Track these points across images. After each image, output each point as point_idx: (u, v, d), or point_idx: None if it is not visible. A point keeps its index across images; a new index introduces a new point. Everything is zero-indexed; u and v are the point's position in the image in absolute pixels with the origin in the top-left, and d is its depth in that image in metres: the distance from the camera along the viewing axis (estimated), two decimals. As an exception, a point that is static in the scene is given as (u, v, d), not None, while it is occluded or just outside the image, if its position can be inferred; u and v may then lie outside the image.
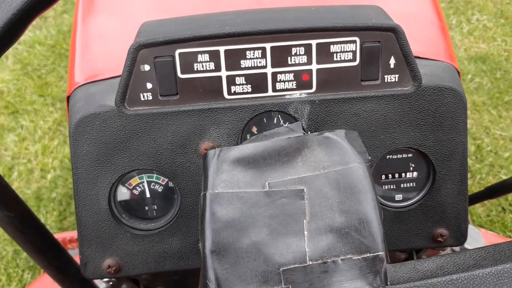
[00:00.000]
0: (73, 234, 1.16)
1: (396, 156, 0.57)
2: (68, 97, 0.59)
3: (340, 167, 0.37)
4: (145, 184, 0.56)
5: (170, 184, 0.56)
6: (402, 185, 0.58)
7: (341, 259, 0.33)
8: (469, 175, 1.72)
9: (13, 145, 1.82)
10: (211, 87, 0.52)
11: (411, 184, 0.58)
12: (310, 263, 0.33)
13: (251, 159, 0.38)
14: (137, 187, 0.56)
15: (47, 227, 0.59)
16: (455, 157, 0.56)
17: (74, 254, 0.99)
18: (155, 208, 0.57)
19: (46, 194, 1.66)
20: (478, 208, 1.63)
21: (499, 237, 1.24)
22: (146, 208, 0.56)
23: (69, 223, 1.61)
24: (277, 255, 0.33)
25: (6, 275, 1.48)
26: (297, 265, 0.33)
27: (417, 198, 0.58)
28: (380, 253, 0.33)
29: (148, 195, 0.56)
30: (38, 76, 2.11)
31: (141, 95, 0.52)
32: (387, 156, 0.57)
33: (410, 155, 0.57)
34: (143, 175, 0.55)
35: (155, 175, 0.56)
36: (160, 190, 0.56)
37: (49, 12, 2.44)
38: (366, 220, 0.34)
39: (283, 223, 0.34)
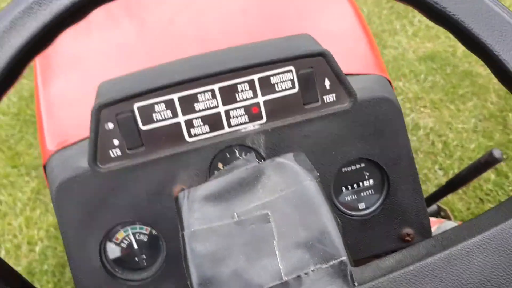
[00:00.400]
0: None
1: (350, 168, 0.62)
2: (45, 166, 0.63)
3: (294, 187, 0.41)
4: (131, 236, 0.59)
5: (153, 232, 0.59)
6: (362, 194, 0.64)
7: (312, 270, 0.37)
8: (441, 172, 1.82)
9: (-6, 223, 1.80)
10: (173, 133, 0.57)
11: (370, 191, 0.64)
12: (286, 278, 0.37)
13: (217, 194, 0.42)
14: (124, 241, 0.59)
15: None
16: (402, 160, 0.61)
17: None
18: (144, 257, 0.60)
19: (37, 267, 1.65)
20: (457, 204, 1.72)
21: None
22: (136, 259, 0.60)
23: (66, 291, 1.59)
24: (256, 277, 0.37)
25: None
26: (275, 283, 0.36)
27: (378, 204, 0.63)
28: (343, 258, 0.37)
29: (135, 246, 0.59)
30: (8, 147, 2.09)
31: (110, 152, 0.56)
32: (343, 169, 0.62)
33: (362, 164, 0.63)
34: (127, 227, 0.59)
35: (138, 226, 0.59)
36: (145, 239, 0.59)
37: (6, 80, 2.41)
38: (326, 231, 0.38)
39: (256, 247, 0.38)
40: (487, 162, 0.89)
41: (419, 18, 2.55)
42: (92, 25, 0.91)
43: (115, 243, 0.59)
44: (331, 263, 0.37)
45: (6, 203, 1.86)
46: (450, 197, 1.73)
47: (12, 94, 2.34)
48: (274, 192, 0.41)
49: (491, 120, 1.99)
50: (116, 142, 0.55)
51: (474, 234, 0.37)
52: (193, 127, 0.57)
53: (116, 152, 0.56)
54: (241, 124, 0.58)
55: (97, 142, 0.55)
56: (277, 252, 0.38)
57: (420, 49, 2.38)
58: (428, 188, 1.77)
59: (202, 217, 0.41)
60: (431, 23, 2.52)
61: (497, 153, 0.86)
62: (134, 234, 0.59)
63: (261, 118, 0.58)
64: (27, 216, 1.80)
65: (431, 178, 1.79)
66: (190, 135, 0.57)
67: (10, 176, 1.97)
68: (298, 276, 0.37)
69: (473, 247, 0.36)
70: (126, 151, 0.56)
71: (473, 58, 2.28)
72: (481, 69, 2.22)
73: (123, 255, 0.59)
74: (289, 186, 0.41)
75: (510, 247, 0.36)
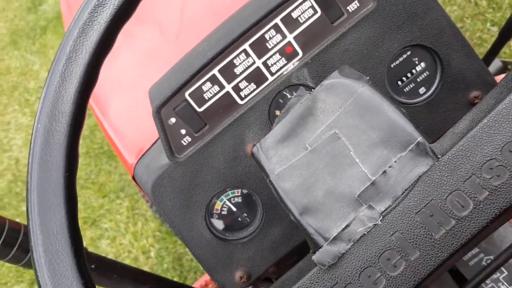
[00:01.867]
0: (202, 280, 1.26)
1: (398, 60, 0.62)
2: (133, 178, 0.69)
3: (350, 99, 0.42)
4: (227, 203, 0.64)
5: (244, 191, 0.64)
6: (418, 79, 0.63)
7: (394, 161, 0.38)
8: (495, 28, 1.69)
9: (109, 247, 1.97)
10: (227, 103, 0.61)
11: (425, 73, 0.63)
12: (374, 178, 0.38)
13: (285, 135, 0.44)
14: (223, 208, 0.64)
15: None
16: (444, 30, 0.60)
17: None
18: (246, 215, 0.65)
19: (159, 268, 1.79)
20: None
21: None
22: (239, 219, 0.65)
23: (191, 281, 1.73)
24: (347, 188, 0.39)
25: None
26: (366, 185, 0.38)
27: (437, 81, 0.63)
28: (418, 139, 0.38)
29: (234, 209, 0.65)
30: (92, 183, 2.26)
31: (182, 141, 0.61)
32: (391, 65, 0.62)
33: (408, 53, 0.62)
34: (221, 196, 0.64)
35: (229, 191, 0.64)
36: (240, 200, 0.64)
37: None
38: (394, 123, 0.39)
39: (337, 164, 0.40)
40: None
41: None
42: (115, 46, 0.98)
43: (217, 214, 0.65)
44: (410, 148, 0.38)
45: (111, 228, 2.03)
46: (513, 47, 1.62)
47: (75, 137, 2.51)
48: (334, 112, 0.42)
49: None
50: (183, 131, 0.61)
51: None
52: (241, 90, 0.60)
53: (187, 139, 0.61)
54: (281, 68, 0.60)
55: (168, 138, 0.60)
56: (357, 160, 0.40)
57: None
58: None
59: (280, 159, 0.43)
60: None
61: None
62: (229, 199, 0.64)
63: (297, 54, 0.60)
64: (133, 231, 1.96)
65: (487, 38, 1.68)
66: (241, 98, 0.61)
67: (104, 205, 2.14)
68: (384, 172, 0.38)
69: None
70: (195, 135, 0.61)
71: None
72: None
73: (227, 221, 0.65)
74: (346, 100, 0.42)
75: None
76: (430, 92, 0.63)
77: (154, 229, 1.91)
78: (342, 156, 0.40)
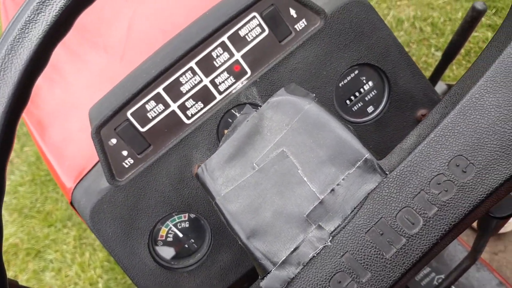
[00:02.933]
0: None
1: (346, 80, 0.62)
2: (71, 203, 0.64)
3: (297, 116, 0.41)
4: (173, 228, 0.60)
5: (191, 215, 0.60)
6: (367, 98, 0.63)
7: (343, 179, 0.37)
8: (439, 53, 1.76)
9: (54, 279, 1.85)
10: (172, 123, 0.58)
11: (373, 92, 0.63)
12: (322, 196, 0.37)
13: (232, 154, 0.42)
14: (169, 235, 0.61)
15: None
16: (391, 49, 0.60)
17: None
18: (193, 241, 0.61)
19: (107, 301, 1.69)
20: (463, 72, 1.67)
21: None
22: (187, 246, 0.61)
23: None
24: (295, 208, 0.37)
25: None
26: (315, 204, 0.37)
27: (385, 99, 0.63)
28: (366, 155, 0.37)
29: (181, 235, 0.61)
30: (37, 212, 2.14)
31: (123, 163, 0.57)
32: (340, 84, 0.62)
33: (356, 72, 0.62)
34: (167, 222, 0.60)
35: (175, 216, 0.60)
36: (187, 225, 0.61)
37: (11, 155, 2.47)
38: (341, 139, 0.38)
39: (285, 183, 0.39)
40: (473, 18, 0.86)
41: None
42: (56, 67, 0.93)
43: (162, 241, 0.60)
44: (357, 164, 0.37)
45: (57, 259, 1.92)
46: (455, 70, 1.69)
47: (21, 163, 2.39)
48: (281, 130, 0.41)
49: (468, -17, 1.92)
50: (125, 153, 0.57)
51: (477, 79, 0.36)
52: (188, 109, 0.58)
53: (129, 161, 0.57)
54: (230, 86, 0.58)
55: (108, 160, 0.56)
56: (305, 179, 0.38)
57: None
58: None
59: (226, 180, 0.41)
60: None
61: (479, 5, 0.83)
62: (175, 225, 0.60)
63: (246, 72, 0.58)
64: (80, 262, 1.85)
65: (432, 63, 1.75)
66: (188, 117, 0.58)
67: (50, 235, 2.02)
68: (332, 190, 0.37)
69: (480, 91, 0.35)
70: (137, 157, 0.57)
71: None
72: None
73: (172, 249, 0.61)
74: (292, 118, 0.41)
75: None
76: (378, 110, 0.63)
77: (102, 259, 1.81)
78: (290, 175, 0.39)
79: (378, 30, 0.60)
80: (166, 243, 0.60)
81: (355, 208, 0.36)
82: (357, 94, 0.63)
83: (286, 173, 0.39)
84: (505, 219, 0.55)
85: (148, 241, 0.58)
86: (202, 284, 0.59)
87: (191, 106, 0.58)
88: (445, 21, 1.84)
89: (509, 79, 0.35)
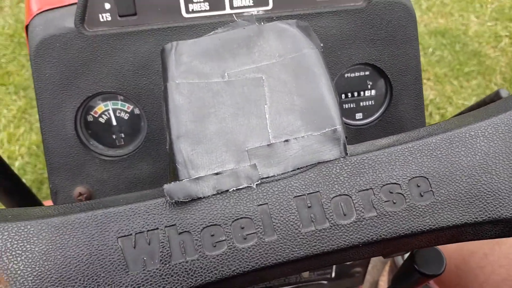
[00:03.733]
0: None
1: (354, 74, 0.59)
2: (27, 26, 0.59)
3: (294, 54, 0.38)
4: (111, 112, 0.56)
5: (136, 111, 0.56)
6: (361, 104, 0.60)
7: (302, 136, 0.34)
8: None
9: (-24, 134, 1.76)
10: (169, 6, 0.53)
11: (370, 102, 0.61)
12: (274, 141, 0.34)
13: (209, 51, 0.39)
14: (103, 115, 0.56)
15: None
16: (409, 72, 0.58)
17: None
18: (123, 136, 0.56)
19: (14, 181, 1.62)
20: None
21: None
22: (114, 136, 0.56)
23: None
24: (241, 137, 0.34)
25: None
26: (262, 144, 0.34)
27: (376, 115, 0.60)
28: (337, 126, 0.35)
29: (114, 122, 0.56)
30: (-1, 66, 2.04)
31: (100, 16, 0.52)
32: (346, 75, 0.59)
33: (367, 72, 0.59)
34: (108, 102, 0.55)
35: (119, 102, 0.56)
36: (126, 117, 0.56)
37: (5, 1, 2.35)
38: (322, 100, 0.36)
39: (245, 109, 0.35)
40: (492, 101, 0.86)
41: (435, -7, 2.49)
42: None
43: (93, 116, 0.55)
44: (324, 130, 0.34)
45: (-9, 118, 1.82)
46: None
47: (8, 16, 2.28)
48: (271, 57, 0.38)
49: (493, 99, 1.96)
50: (107, 6, 0.52)
51: (480, 119, 0.34)
52: (192, 2, 0.53)
53: (106, 16, 0.52)
54: (244, 7, 0.54)
55: (86, 3, 0.51)
56: (267, 116, 0.35)
57: (432, 23, 2.32)
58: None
59: (189, 71, 0.37)
60: (446, 0, 2.46)
61: (504, 93, 0.83)
62: (114, 110, 0.55)
63: (267, 4, 0.54)
64: (10, 133, 1.77)
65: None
66: (187, 11, 0.53)
67: (-2, 93, 1.92)
68: (287, 141, 0.34)
69: (478, 131, 0.34)
70: (117, 18, 0.52)
71: (484, 39, 2.23)
72: (491, 51, 2.18)
73: (99, 129, 0.56)
74: (289, 52, 0.38)
75: None
76: (365, 121, 0.60)
77: (33, 142, 1.73)
78: (255, 104, 0.36)
79: (409, 45, 0.57)
80: (95, 121, 0.55)
81: (298, 169, 0.33)
82: (355, 94, 0.60)
83: (252, 100, 0.36)
84: (427, 277, 0.54)
85: (80, 106, 0.53)
86: (108, 180, 0.55)
87: (197, 2, 0.53)
88: (455, 119, 1.87)
89: (510, 135, 0.33)
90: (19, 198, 0.76)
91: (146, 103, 0.54)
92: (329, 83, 0.37)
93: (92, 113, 0.55)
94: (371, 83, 0.60)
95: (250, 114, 0.35)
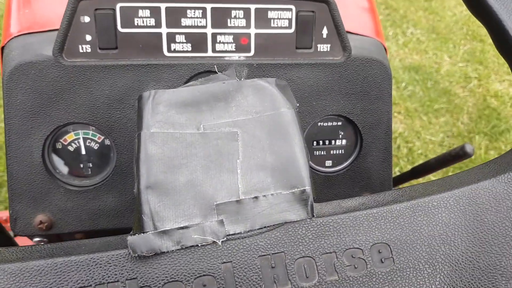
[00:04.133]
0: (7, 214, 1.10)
1: (326, 123, 0.61)
2: (3, 48, 0.57)
3: (271, 112, 0.39)
4: (81, 141, 0.55)
5: (107, 142, 0.56)
6: (332, 152, 0.62)
7: (271, 194, 0.35)
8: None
9: None
10: (151, 43, 0.53)
11: (340, 151, 0.62)
12: (243, 197, 0.35)
13: (187, 102, 0.39)
14: (72, 144, 0.55)
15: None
16: (380, 126, 0.60)
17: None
18: (90, 166, 0.56)
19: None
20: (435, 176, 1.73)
21: None
22: (81, 165, 0.56)
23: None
24: (211, 191, 0.35)
25: None
26: (231, 199, 0.34)
27: (345, 164, 0.62)
28: (306, 187, 0.36)
29: (83, 152, 0.56)
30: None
31: (80, 46, 0.52)
32: (319, 123, 0.61)
33: (339, 123, 0.61)
34: (79, 131, 0.55)
35: (91, 131, 0.55)
36: (96, 147, 0.56)
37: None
38: (294, 159, 0.37)
39: (217, 162, 0.36)
40: (457, 155, 0.89)
41: (412, 30, 2.58)
42: None
43: (62, 144, 0.55)
44: (293, 190, 0.35)
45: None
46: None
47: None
48: (248, 113, 0.39)
49: (458, 138, 2.03)
50: (88, 37, 0.52)
51: (443, 190, 0.36)
52: (175, 42, 0.54)
53: (86, 48, 0.52)
54: (226, 51, 0.55)
55: (67, 33, 0.51)
56: (238, 171, 0.36)
57: (407, 59, 2.40)
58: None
59: (164, 121, 0.38)
60: (422, 37, 2.55)
61: (469, 148, 0.86)
62: (84, 139, 0.55)
63: (249, 50, 0.56)
64: (-26, 130, 1.71)
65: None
66: (169, 50, 0.54)
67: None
68: (256, 197, 0.35)
69: (440, 201, 0.35)
70: (97, 50, 0.52)
71: (455, 78, 2.32)
72: (460, 90, 2.27)
73: (67, 157, 0.55)
74: (265, 110, 0.39)
75: (478, 208, 0.35)
76: (334, 169, 0.62)
77: (-3, 141, 1.68)
78: (227, 158, 0.36)
79: (382, 102, 0.60)
80: (64, 149, 0.55)
81: (265, 227, 0.34)
82: (326, 142, 0.62)
83: (225, 154, 0.37)
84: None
85: (50, 134, 0.53)
86: (71, 210, 0.54)
87: (179, 42, 0.54)
88: (421, 154, 1.93)
89: (471, 208, 0.35)
90: None
91: (118, 135, 0.54)
92: (302, 144, 0.38)
93: (61, 140, 0.55)
94: (342, 133, 0.62)
95: (222, 168, 0.36)
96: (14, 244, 0.64)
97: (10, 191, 0.53)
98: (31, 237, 0.55)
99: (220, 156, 0.36)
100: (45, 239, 0.55)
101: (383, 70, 0.59)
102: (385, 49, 0.67)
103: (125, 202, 0.56)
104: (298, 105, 0.41)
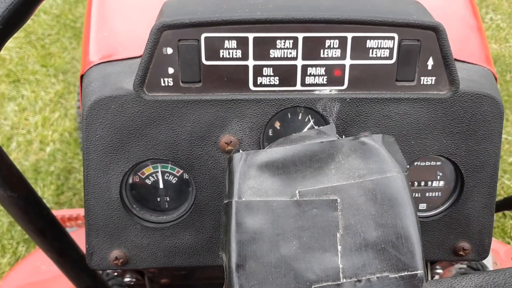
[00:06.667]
0: (72, 212, 1.15)
1: (424, 163, 0.55)
2: (82, 76, 0.56)
3: (377, 176, 0.35)
4: (159, 174, 0.54)
5: (185, 176, 0.54)
6: (427, 194, 0.56)
7: (377, 277, 0.31)
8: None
9: (13, 114, 1.79)
10: (237, 77, 0.50)
11: (437, 193, 0.56)
12: (344, 280, 0.31)
13: (280, 164, 0.36)
14: (150, 177, 0.54)
15: (44, 200, 0.57)
16: (486, 169, 0.53)
17: (71, 230, 0.97)
18: (168, 200, 0.55)
19: (44, 167, 1.64)
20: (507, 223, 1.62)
21: (499, 242, 1.23)
22: (159, 199, 0.54)
23: (66, 198, 1.59)
24: (308, 271, 0.31)
25: (0, 246, 1.46)
26: (330, 283, 0.31)
27: (441, 208, 0.56)
28: (419, 272, 0.31)
29: (161, 185, 0.54)
30: (42, 46, 2.06)
31: (162, 80, 0.49)
32: (415, 163, 0.55)
33: (438, 163, 0.55)
34: (158, 164, 0.53)
35: (169, 165, 0.54)
36: (174, 181, 0.54)
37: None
38: (405, 236, 0.32)
39: (315, 236, 0.32)
40: None
41: (492, 15, 2.37)
42: None
43: (140, 177, 0.53)
44: (403, 273, 0.31)
45: (28, 99, 1.85)
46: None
47: (59, -5, 2.30)
48: (349, 177, 0.35)
49: (540, 138, 1.86)
50: (171, 70, 0.49)
51: None
52: (262, 75, 0.50)
53: (169, 81, 0.49)
54: (316, 85, 0.50)
55: (149, 65, 0.48)
56: (339, 248, 0.32)
57: (483, 48, 2.22)
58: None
59: (257, 186, 0.35)
60: (503, 23, 2.34)
61: None
62: (163, 173, 0.53)
63: (342, 83, 0.50)
64: (45, 116, 1.79)
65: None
66: (255, 84, 0.50)
67: (38, 73, 1.95)
68: (359, 281, 0.31)
69: None
70: (180, 83, 0.49)
71: (538, 70, 2.11)
72: (544, 84, 2.06)
73: (145, 191, 0.54)
74: (371, 174, 0.35)
75: None
76: (429, 214, 0.56)
77: (66, 128, 1.76)
78: (325, 232, 0.32)
79: (490, 142, 0.53)
80: (141, 182, 0.54)
81: None
82: (422, 183, 0.56)
83: (324, 226, 0.33)
84: None
85: (128, 171, 0.52)
86: (147, 247, 0.53)
87: (266, 76, 0.50)
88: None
89: None
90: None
91: (198, 171, 0.52)
92: (414, 217, 0.33)
93: (139, 173, 0.54)
94: (441, 174, 0.55)
95: (320, 243, 0.32)
96: (77, 250, 0.64)
97: (87, 225, 0.53)
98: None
99: (318, 229, 0.33)
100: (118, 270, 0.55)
101: (494, 106, 0.52)
102: (496, 79, 0.58)
103: (202, 241, 0.54)
104: (408, 167, 0.36)
